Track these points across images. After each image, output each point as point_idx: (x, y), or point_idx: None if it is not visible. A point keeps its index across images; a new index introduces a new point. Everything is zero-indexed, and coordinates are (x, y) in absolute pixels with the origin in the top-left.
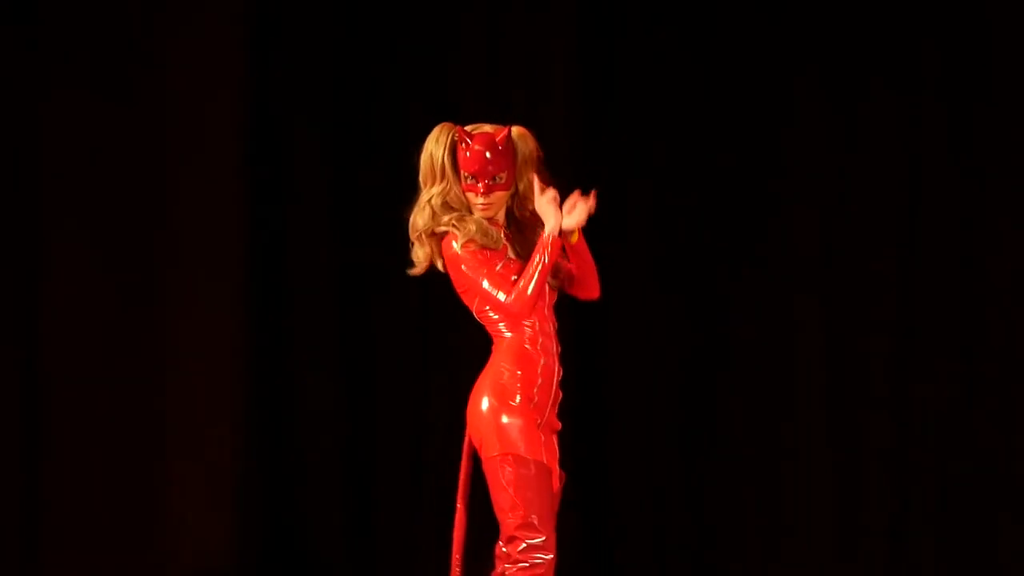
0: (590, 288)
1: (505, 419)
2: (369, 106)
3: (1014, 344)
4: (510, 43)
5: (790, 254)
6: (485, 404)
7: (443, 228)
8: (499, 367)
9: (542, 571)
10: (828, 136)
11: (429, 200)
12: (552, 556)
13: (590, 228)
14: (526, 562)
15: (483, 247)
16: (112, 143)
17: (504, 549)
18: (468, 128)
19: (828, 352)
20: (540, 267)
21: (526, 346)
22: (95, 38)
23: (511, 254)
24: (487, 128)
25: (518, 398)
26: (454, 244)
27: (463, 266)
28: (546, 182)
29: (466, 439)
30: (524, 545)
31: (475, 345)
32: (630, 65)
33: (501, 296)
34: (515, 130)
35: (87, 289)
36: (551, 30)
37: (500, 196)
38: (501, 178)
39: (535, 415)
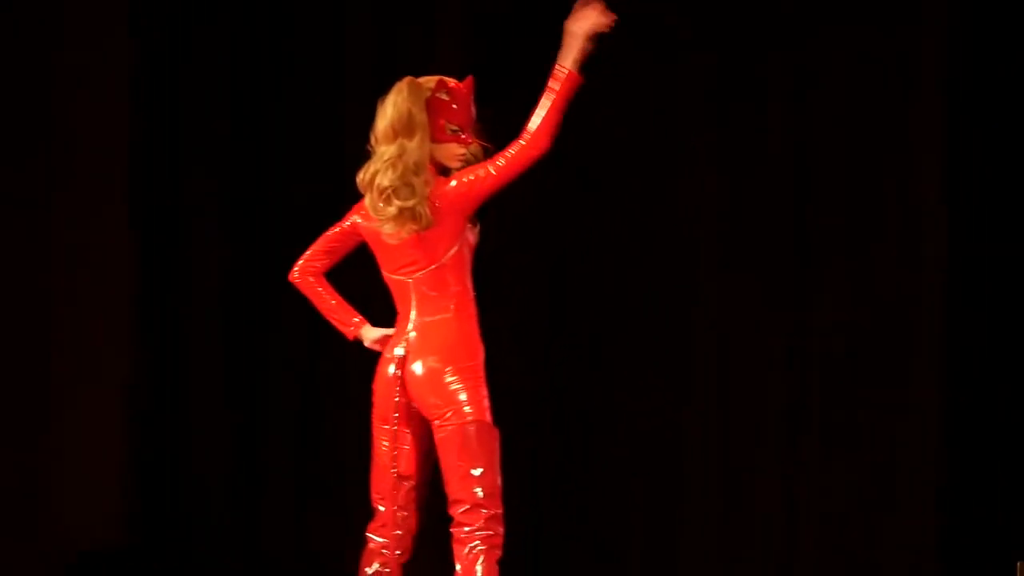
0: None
1: (476, 386)
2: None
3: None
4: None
5: (688, 242)
6: (451, 368)
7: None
8: (458, 332)
9: (501, 542)
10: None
11: (400, 156)
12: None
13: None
14: (491, 531)
15: None
16: None
17: (467, 527)
18: (443, 79)
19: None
20: (559, 101)
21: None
22: None
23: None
24: (449, 80)
25: (479, 367)
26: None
27: (470, 178)
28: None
29: (393, 406)
30: (492, 514)
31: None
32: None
33: (512, 151)
34: None
35: None
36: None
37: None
38: (477, 128)
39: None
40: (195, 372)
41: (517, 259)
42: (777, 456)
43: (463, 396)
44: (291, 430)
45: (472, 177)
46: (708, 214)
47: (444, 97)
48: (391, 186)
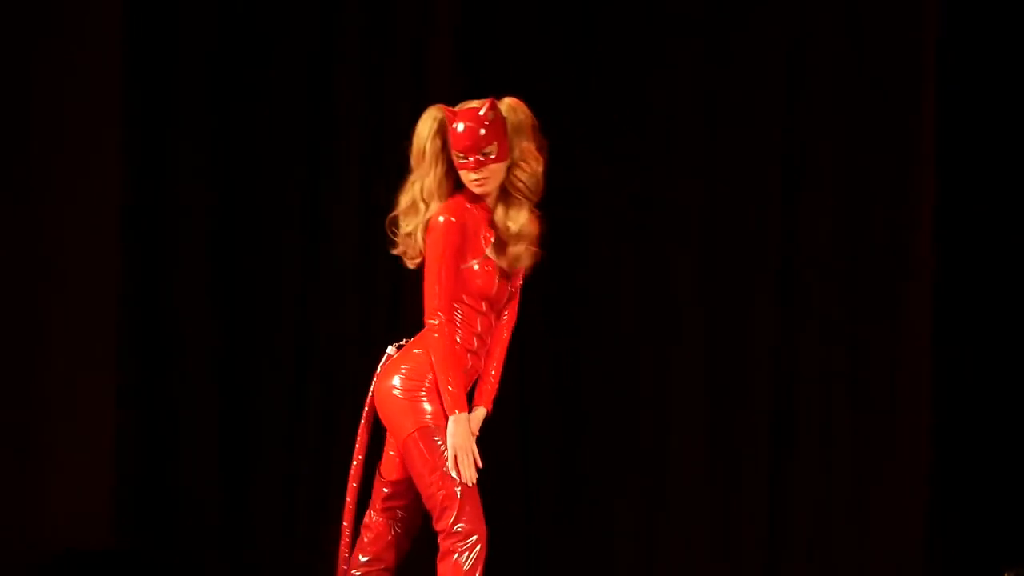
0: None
1: (414, 396)
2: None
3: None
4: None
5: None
6: (399, 385)
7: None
8: (423, 358)
9: (479, 538)
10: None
11: (414, 182)
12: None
13: None
14: (460, 524)
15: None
16: None
17: (440, 532)
18: (455, 108)
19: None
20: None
21: (457, 342)
22: None
23: (489, 250)
24: (473, 103)
25: (426, 382)
26: (440, 219)
27: (431, 246)
28: (540, 149)
29: (365, 410)
30: (459, 512)
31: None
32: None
33: (435, 311)
34: (505, 101)
35: None
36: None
37: (493, 169)
38: (492, 151)
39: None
40: (184, 374)
41: None
42: (765, 461)
43: (400, 410)
44: (282, 432)
45: (429, 248)
46: (695, 214)
47: (451, 125)
48: (403, 209)
